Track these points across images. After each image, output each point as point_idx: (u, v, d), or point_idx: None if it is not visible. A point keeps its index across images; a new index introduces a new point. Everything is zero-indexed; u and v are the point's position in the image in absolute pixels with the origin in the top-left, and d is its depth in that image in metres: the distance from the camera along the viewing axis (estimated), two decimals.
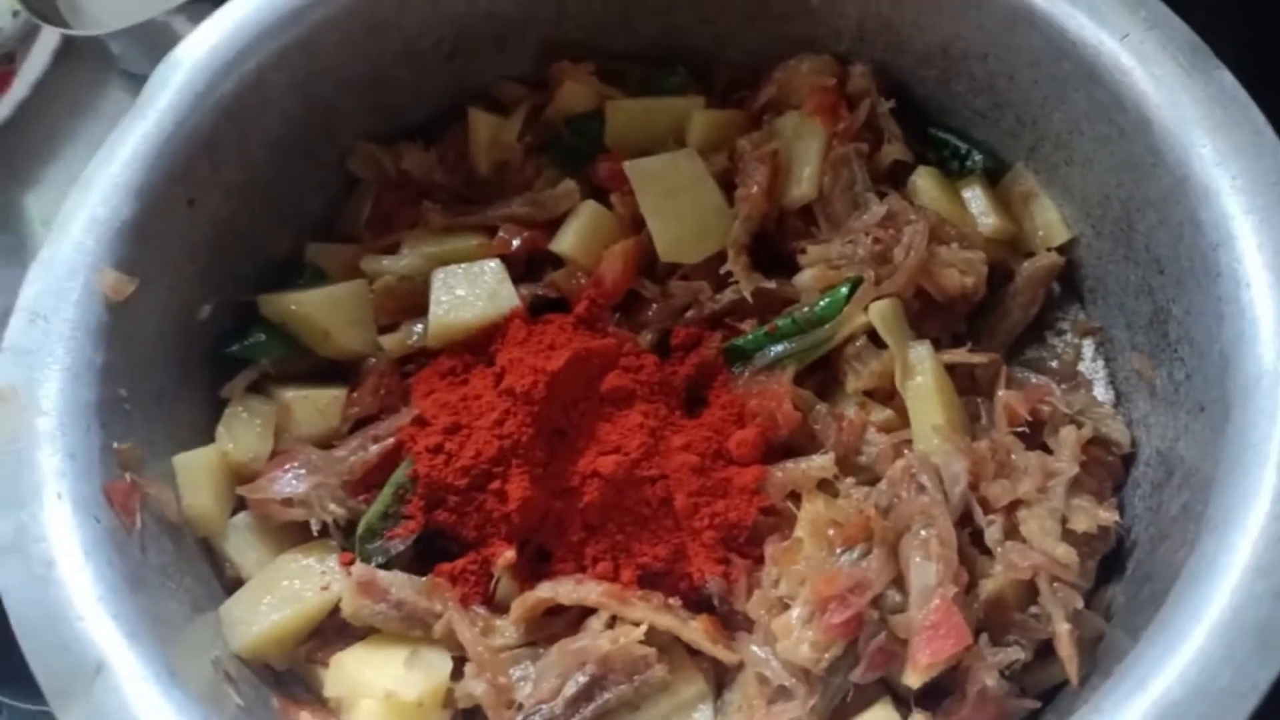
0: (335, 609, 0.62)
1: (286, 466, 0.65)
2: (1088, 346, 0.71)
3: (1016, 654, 0.55)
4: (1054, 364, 0.71)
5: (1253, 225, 0.54)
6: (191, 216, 0.67)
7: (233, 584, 0.63)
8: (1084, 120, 0.66)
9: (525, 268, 0.74)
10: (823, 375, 0.70)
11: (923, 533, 0.57)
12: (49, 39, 1.03)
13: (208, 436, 0.67)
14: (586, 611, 0.62)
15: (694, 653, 0.62)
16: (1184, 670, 0.44)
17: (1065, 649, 0.54)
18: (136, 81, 1.01)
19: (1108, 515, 0.59)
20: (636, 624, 0.60)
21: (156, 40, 0.94)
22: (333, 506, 0.64)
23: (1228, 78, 0.58)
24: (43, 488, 0.54)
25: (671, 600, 0.63)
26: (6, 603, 0.51)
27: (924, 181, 0.73)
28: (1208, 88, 0.58)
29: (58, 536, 0.52)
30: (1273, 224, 0.54)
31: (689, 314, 0.72)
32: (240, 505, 0.65)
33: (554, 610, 0.63)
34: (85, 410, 0.57)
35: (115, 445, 0.58)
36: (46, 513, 0.53)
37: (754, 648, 0.60)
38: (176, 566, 0.59)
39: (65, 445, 0.55)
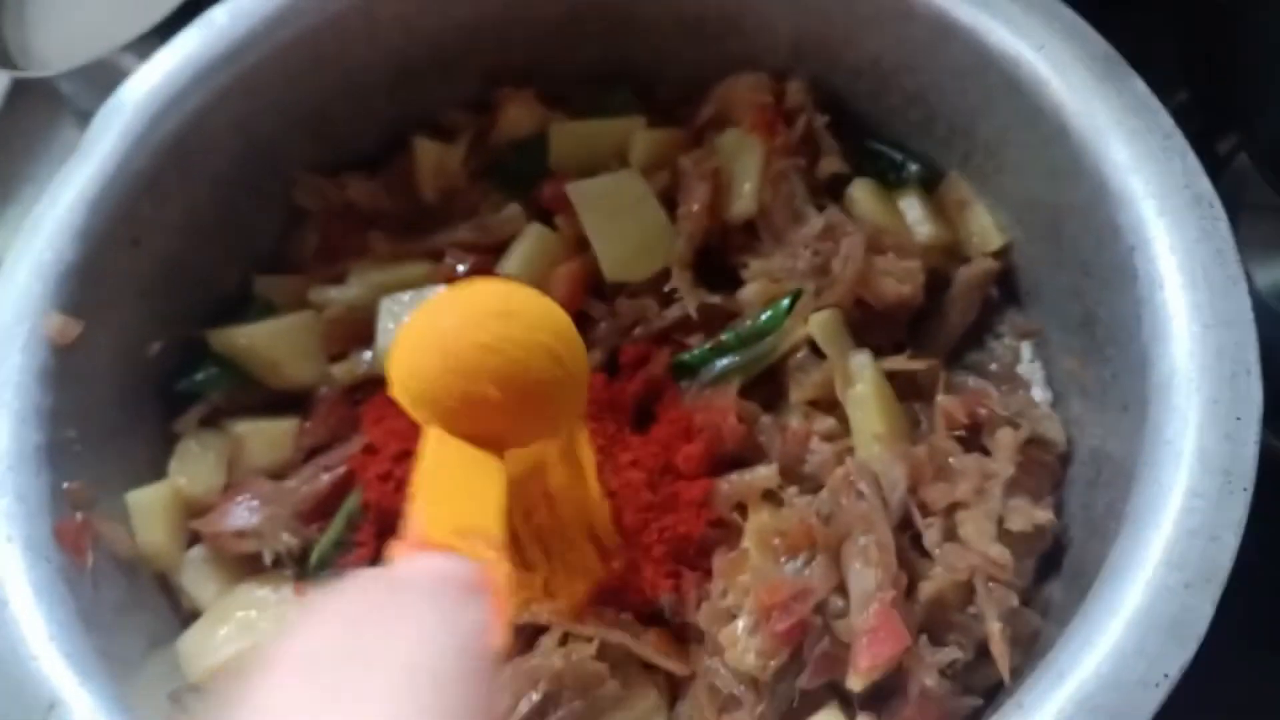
0: None
1: (239, 499, 0.66)
2: (1026, 349, 0.73)
3: (955, 654, 0.56)
4: (993, 366, 0.72)
5: (1165, 228, 0.56)
6: (137, 256, 0.67)
7: (189, 616, 0.64)
8: (1010, 129, 0.67)
9: None
10: (768, 387, 0.71)
11: (862, 539, 0.59)
12: None
13: (160, 471, 0.67)
14: (539, 630, 0.63)
15: (648, 666, 0.63)
16: (1099, 663, 0.45)
17: (997, 647, 0.55)
18: (88, 119, 1.02)
19: (1043, 515, 0.60)
20: (589, 640, 0.61)
21: (107, 79, 0.93)
22: (286, 537, 0.65)
23: (1139, 85, 0.60)
24: None
25: (624, 615, 0.64)
26: None
27: (860, 193, 0.74)
28: (1120, 96, 0.60)
29: (9, 578, 0.53)
30: (1183, 227, 0.55)
31: (637, 331, 0.73)
32: (195, 538, 0.66)
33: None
34: (35, 453, 0.58)
35: (65, 485, 0.58)
36: None
37: (705, 659, 0.61)
38: (131, 603, 0.60)
39: (15, 488, 0.56)
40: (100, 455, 0.62)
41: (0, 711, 0.50)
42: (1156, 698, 0.44)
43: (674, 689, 0.63)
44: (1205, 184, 0.56)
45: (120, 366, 0.66)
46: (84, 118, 1.02)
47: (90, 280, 0.63)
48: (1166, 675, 0.44)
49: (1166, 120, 0.58)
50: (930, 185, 0.76)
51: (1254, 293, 0.55)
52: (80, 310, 0.62)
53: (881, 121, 0.77)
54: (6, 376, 0.59)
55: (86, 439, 0.61)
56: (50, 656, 0.51)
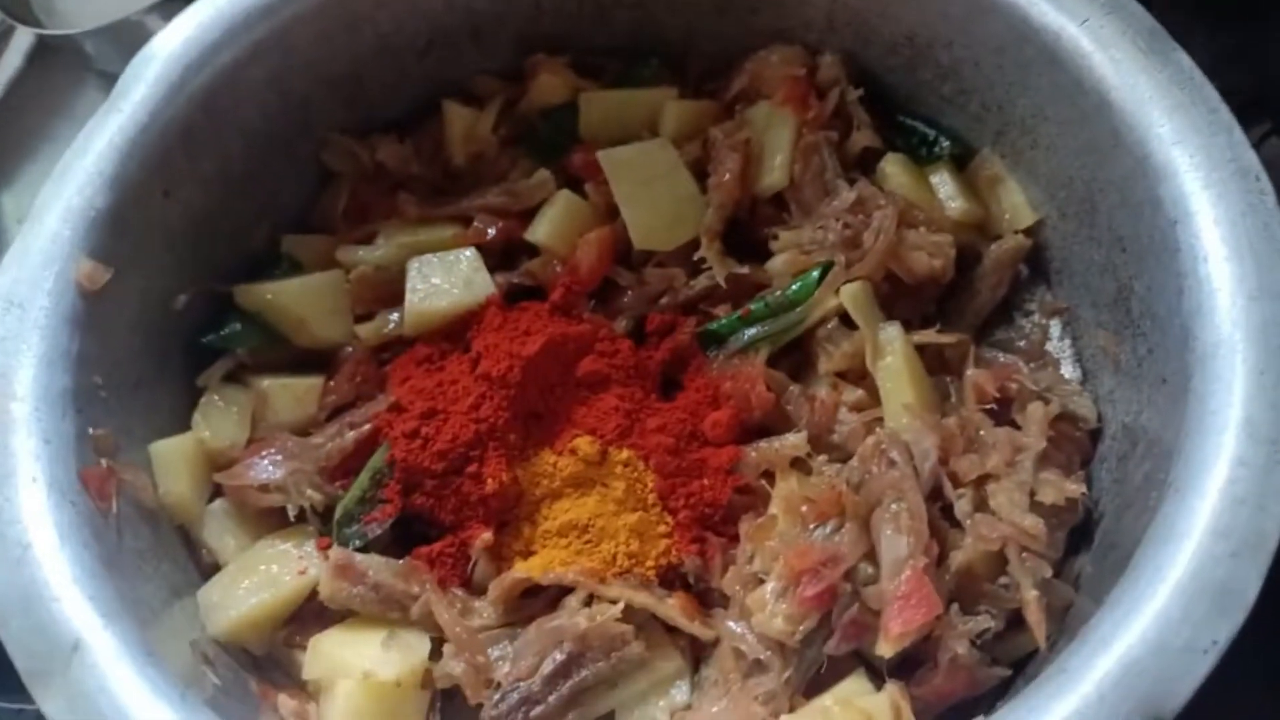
0: (313, 593, 0.62)
1: (263, 453, 0.65)
2: (1055, 326, 0.72)
3: (987, 623, 0.56)
4: (1022, 344, 0.72)
5: (1209, 201, 0.55)
6: (167, 208, 0.67)
7: (210, 570, 0.64)
8: (1047, 104, 0.67)
9: (501, 257, 0.75)
10: (795, 358, 0.70)
11: (893, 506, 0.58)
12: (23, 39, 1.03)
13: (184, 424, 0.67)
14: (564, 591, 0.63)
15: (671, 630, 0.62)
16: (1145, 629, 0.45)
17: (1034, 615, 0.55)
18: (111, 80, 1.00)
19: (1074, 488, 0.60)
20: (613, 602, 0.61)
21: (131, 39, 0.93)
22: (310, 492, 0.64)
23: (1184, 59, 0.60)
24: (18, 472, 0.54)
25: (648, 579, 0.63)
26: None
27: (892, 168, 0.74)
28: (1165, 69, 0.59)
29: (34, 519, 0.52)
30: (1228, 200, 0.55)
31: (663, 300, 0.73)
32: (217, 492, 0.65)
33: (531, 591, 0.63)
34: (60, 397, 0.57)
35: (91, 431, 0.58)
36: (22, 496, 0.53)
37: (729, 623, 0.61)
38: (153, 552, 0.60)
39: (41, 430, 0.55)
40: (125, 404, 0.62)
41: (26, 651, 0.49)
42: (1205, 664, 0.44)
43: (697, 653, 0.63)
44: (1252, 157, 0.55)
45: (147, 317, 0.66)
46: (106, 78, 1.02)
47: (120, 229, 0.63)
48: (1215, 642, 0.44)
49: (1212, 94, 0.58)
50: (962, 162, 0.76)
51: None
52: (109, 258, 0.62)
53: (914, 97, 0.77)
54: (34, 320, 0.58)
55: (112, 387, 0.61)
56: (74, 598, 0.50)
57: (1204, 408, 0.50)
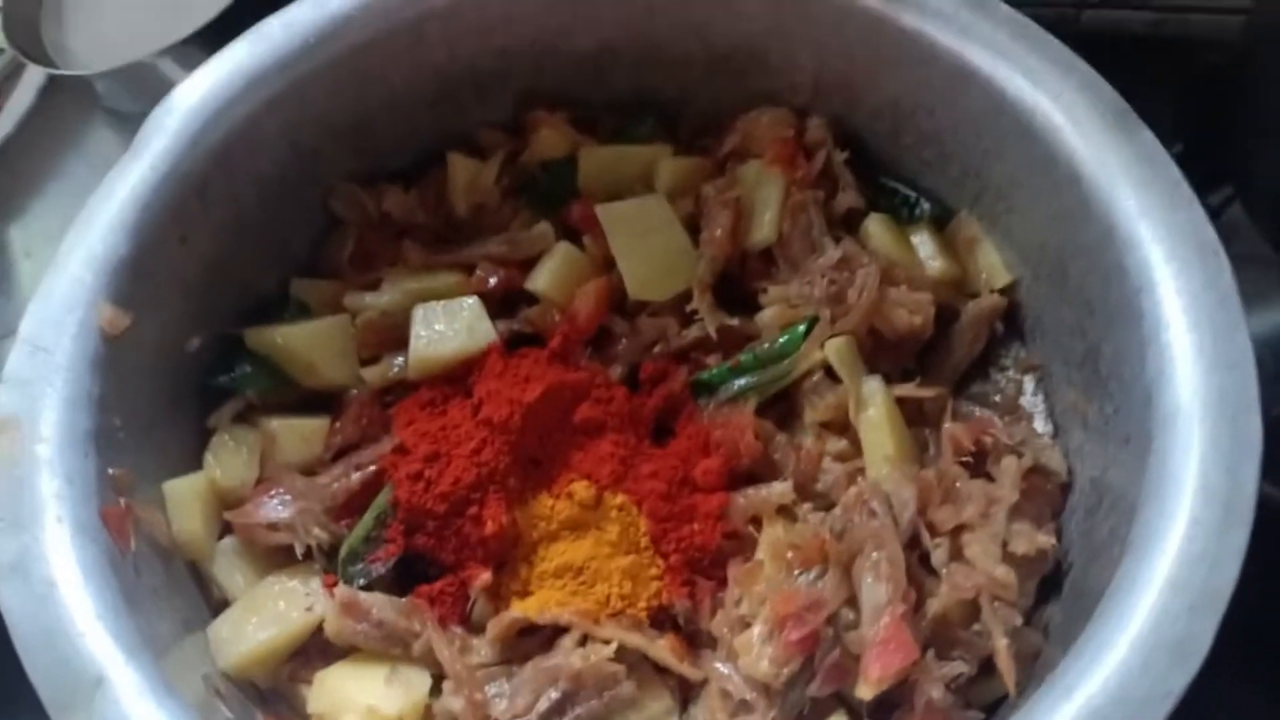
0: (318, 629, 0.64)
1: (272, 492, 0.68)
2: (1029, 382, 0.76)
3: (960, 668, 0.59)
4: (997, 398, 0.76)
5: (1172, 272, 0.59)
6: (183, 254, 0.70)
7: (219, 605, 0.66)
8: (1021, 173, 0.71)
9: (501, 305, 0.78)
10: (782, 408, 0.74)
11: (874, 555, 0.61)
12: (35, 77, 1.05)
13: (196, 464, 0.69)
14: (560, 630, 0.66)
15: (661, 670, 0.65)
16: (1106, 679, 0.48)
17: (1004, 662, 0.58)
18: (120, 119, 1.05)
19: (1045, 540, 0.63)
20: (606, 642, 0.64)
21: (141, 81, 0.97)
22: (316, 531, 0.67)
23: (1149, 136, 0.64)
24: (43, 511, 0.56)
25: (640, 621, 0.66)
26: (10, 621, 0.53)
27: (876, 227, 0.78)
28: (1131, 145, 0.63)
29: (58, 558, 0.55)
30: (1189, 273, 0.59)
31: (657, 349, 0.76)
32: (227, 529, 0.68)
33: (528, 630, 0.66)
34: (82, 438, 0.59)
35: (110, 471, 0.60)
36: (47, 535, 0.55)
37: (717, 664, 0.63)
38: (167, 588, 0.62)
39: (64, 471, 0.58)
40: (141, 445, 0.64)
41: (51, 684, 0.51)
42: (1163, 711, 0.47)
43: (686, 693, 0.65)
44: (1211, 233, 0.59)
45: (162, 360, 0.68)
46: (116, 117, 1.06)
47: (140, 275, 0.66)
48: (1170, 692, 0.47)
49: (1174, 171, 0.62)
50: (941, 223, 0.80)
51: None
52: (129, 303, 0.64)
53: (897, 160, 0.81)
54: (59, 363, 0.61)
55: (129, 428, 0.63)
56: (97, 634, 0.53)
57: (1164, 469, 0.54)
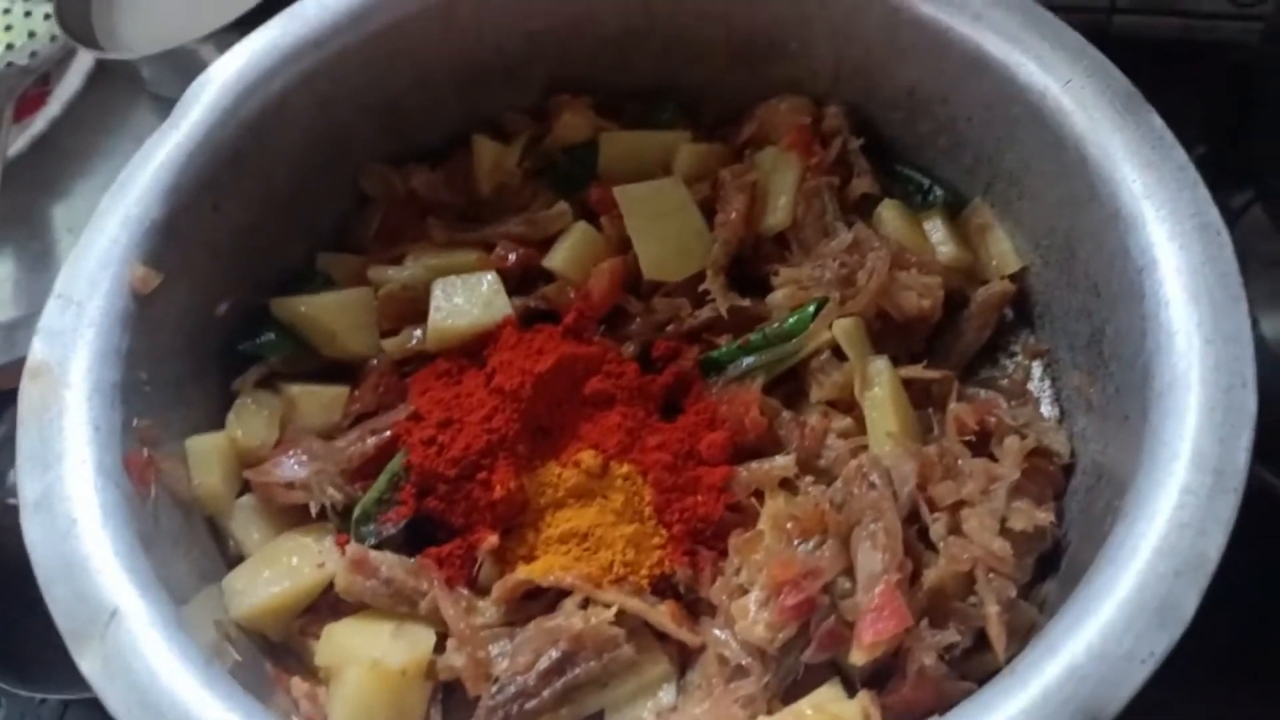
0: (329, 587, 0.66)
1: (290, 453, 0.70)
2: (1036, 367, 0.76)
3: (953, 637, 0.60)
4: (1005, 383, 0.76)
5: (1174, 251, 0.60)
6: (215, 220, 0.72)
7: (235, 560, 0.68)
8: (1032, 158, 0.72)
9: (520, 282, 0.80)
10: (789, 386, 0.75)
11: (871, 526, 0.62)
12: (83, 62, 1.10)
13: (218, 424, 0.72)
14: (562, 594, 0.67)
15: (660, 636, 0.66)
16: (1090, 638, 0.49)
17: (994, 628, 0.58)
18: (164, 104, 1.08)
19: (1043, 516, 0.64)
20: (608, 606, 0.65)
21: (185, 66, 1.00)
22: (331, 491, 0.69)
23: (1156, 121, 0.64)
24: (69, 454, 0.59)
25: (641, 587, 0.67)
26: (33, 554, 0.56)
27: (889, 213, 0.79)
28: (1138, 129, 0.64)
29: (81, 498, 0.57)
30: (1190, 250, 0.59)
31: (669, 328, 0.78)
32: (246, 488, 0.70)
33: (532, 593, 0.67)
34: (110, 389, 0.62)
35: (135, 422, 0.63)
36: (71, 476, 0.58)
37: (715, 630, 0.64)
38: (185, 538, 0.64)
39: (91, 418, 0.60)
40: (166, 401, 0.67)
41: (68, 615, 0.54)
42: (1142, 673, 0.47)
43: (684, 659, 0.66)
44: (1214, 213, 0.60)
45: (190, 322, 0.71)
46: (160, 101, 1.09)
47: (172, 238, 0.68)
48: (1152, 653, 0.48)
49: (1180, 154, 0.62)
50: (954, 210, 0.80)
51: (1261, 342, 0.58)
52: (160, 264, 0.67)
53: (912, 148, 0.82)
54: (91, 318, 0.64)
55: (156, 383, 0.66)
56: (113, 571, 0.55)
57: (1157, 440, 0.54)
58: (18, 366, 0.87)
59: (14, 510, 1.02)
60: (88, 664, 0.52)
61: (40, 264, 1.06)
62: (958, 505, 0.65)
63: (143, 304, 0.66)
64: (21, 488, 0.57)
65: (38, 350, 0.62)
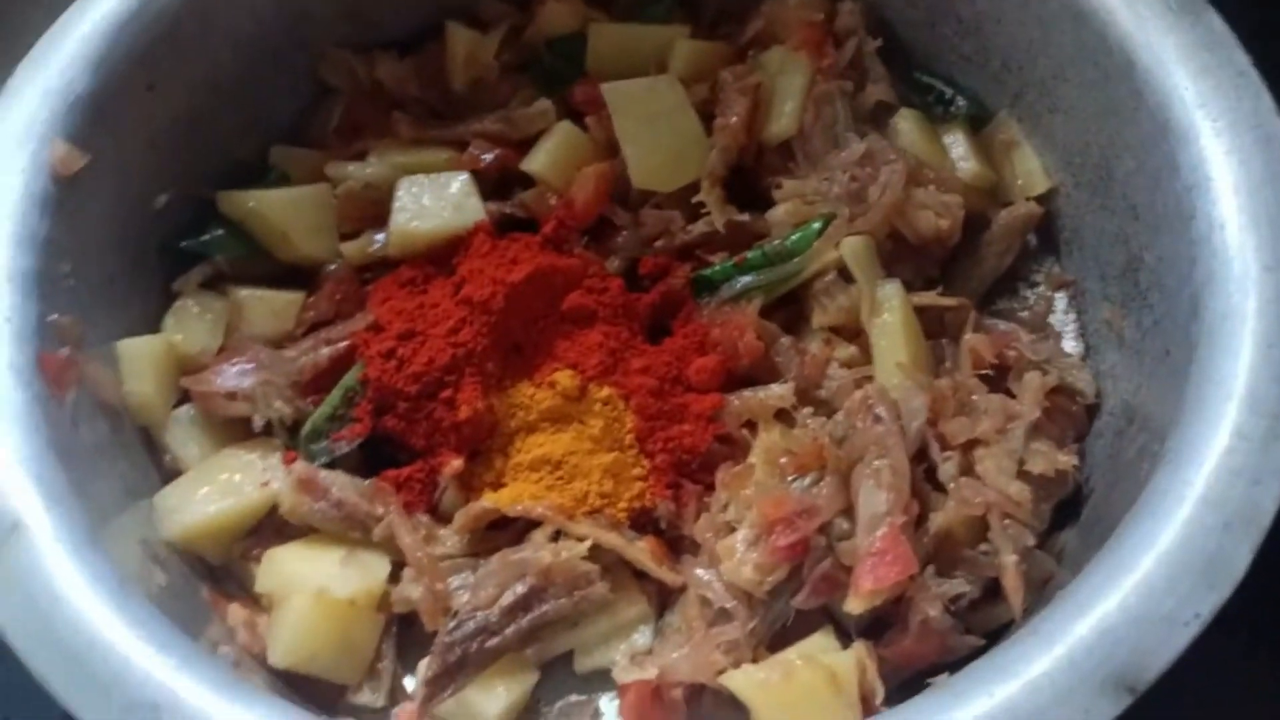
0: (274, 508, 0.60)
1: (234, 361, 0.63)
2: (1060, 300, 0.70)
3: (962, 587, 0.54)
4: (1024, 314, 0.70)
5: (1230, 167, 0.53)
6: (151, 102, 0.65)
7: (170, 475, 0.62)
8: (1069, 64, 0.65)
9: (495, 187, 0.73)
10: (789, 311, 0.68)
11: (876, 463, 0.56)
12: None
13: (155, 327, 0.65)
14: (531, 527, 0.61)
15: (638, 575, 0.61)
16: (1125, 597, 0.43)
17: (1011, 581, 0.53)
18: None
19: (1066, 460, 0.58)
20: (581, 540, 0.59)
21: None
22: (278, 404, 0.62)
23: (1216, 21, 0.57)
24: None
25: (619, 521, 0.62)
26: None
27: (906, 124, 0.72)
28: (1194, 30, 0.57)
29: None
30: (1250, 166, 0.53)
31: (659, 243, 0.71)
32: (184, 398, 0.64)
33: (498, 524, 0.62)
34: (25, 278, 0.55)
35: (54, 318, 0.56)
36: None
37: (698, 571, 0.59)
38: (111, 449, 0.58)
39: (2, 308, 0.53)
40: (94, 298, 0.60)
41: None
42: (1186, 636, 0.42)
43: (663, 599, 0.61)
44: (1278, 125, 0.53)
45: (124, 212, 0.64)
46: None
47: (99, 117, 0.61)
48: (1199, 615, 0.42)
49: (1242, 58, 0.56)
50: (977, 124, 0.73)
51: None
52: (86, 144, 0.60)
53: (933, 53, 0.74)
54: (3, 198, 0.56)
55: (81, 277, 0.59)
56: (18, 479, 0.49)
57: (1206, 378, 0.48)
58: None
59: None
60: None
61: None
62: (971, 444, 0.59)
63: (65, 187, 0.59)
64: None
65: None
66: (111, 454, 0.58)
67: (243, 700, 0.43)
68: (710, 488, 0.62)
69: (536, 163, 0.71)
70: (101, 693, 0.43)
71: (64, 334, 0.56)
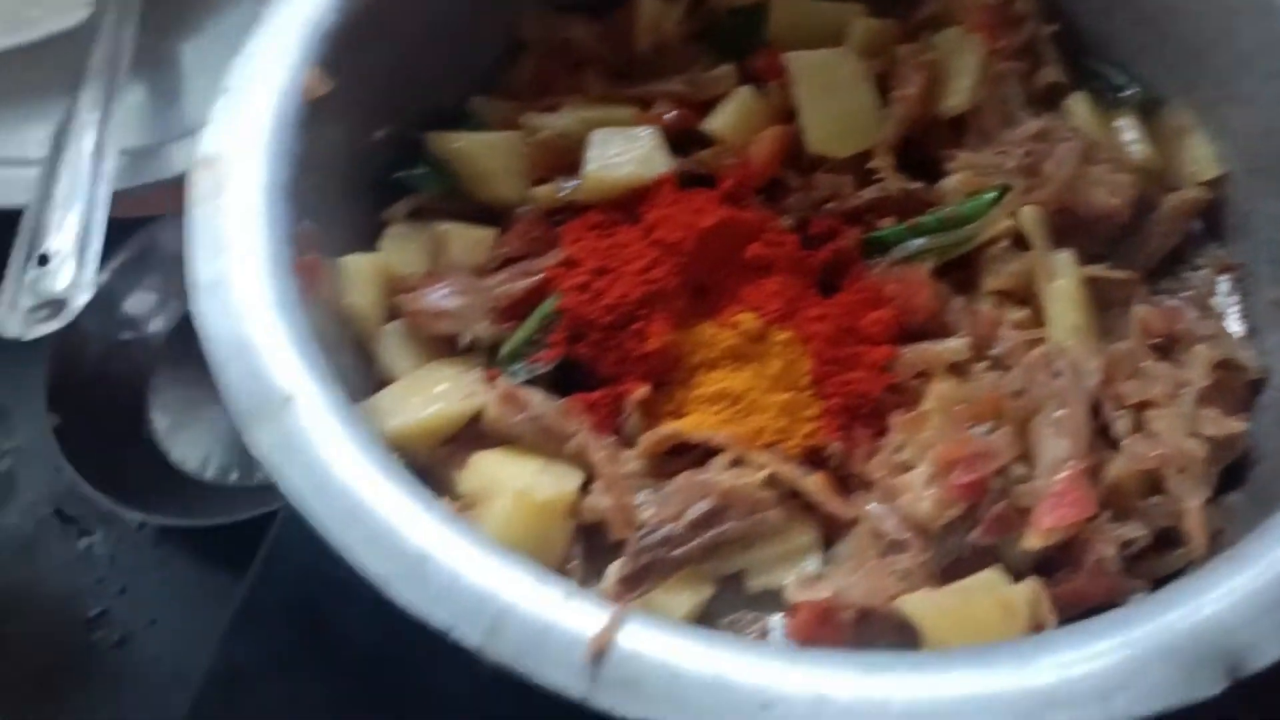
0: (476, 419, 0.65)
1: (440, 284, 0.68)
2: (1222, 282, 0.72)
3: (1138, 530, 0.57)
4: (1188, 294, 0.72)
5: None
6: (380, 43, 0.70)
7: (379, 385, 0.67)
8: (1253, 56, 0.67)
9: (675, 145, 0.76)
10: (959, 276, 0.71)
11: (1056, 413, 0.59)
12: None
13: (367, 250, 0.70)
14: (707, 455, 0.65)
15: (806, 509, 0.64)
16: None
17: (1194, 522, 0.55)
18: None
19: (1236, 424, 0.60)
20: (760, 468, 0.62)
21: None
22: (481, 325, 0.67)
23: None
24: (241, 243, 0.57)
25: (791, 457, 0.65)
26: (206, 334, 0.54)
27: (1078, 106, 0.74)
28: None
29: (254, 286, 0.56)
30: None
31: (829, 206, 0.74)
32: (394, 315, 0.69)
33: (678, 450, 0.65)
34: (282, 188, 0.60)
35: (305, 224, 0.61)
36: (245, 264, 0.56)
37: (871, 505, 0.62)
38: (338, 349, 0.63)
39: (267, 210, 0.58)
40: (328, 212, 0.65)
41: (243, 394, 0.52)
42: None
43: (830, 534, 0.64)
44: None
45: (351, 142, 0.69)
46: None
47: (343, 49, 0.66)
48: None
49: None
50: (1148, 110, 0.75)
51: None
52: (333, 72, 0.65)
53: (1106, 41, 0.77)
54: (265, 116, 0.61)
55: (320, 191, 0.64)
56: (289, 359, 0.54)
57: None
58: (143, 192, 0.86)
59: (126, 343, 1.03)
60: (265, 443, 0.51)
61: (166, 99, 1.04)
62: (1143, 405, 0.61)
63: (311, 110, 0.64)
64: (193, 270, 0.56)
65: (209, 142, 0.61)
66: (338, 353, 0.62)
67: (497, 555, 0.48)
68: (880, 432, 0.65)
69: (717, 122, 0.75)
70: (375, 543, 0.48)
71: (311, 241, 0.61)
